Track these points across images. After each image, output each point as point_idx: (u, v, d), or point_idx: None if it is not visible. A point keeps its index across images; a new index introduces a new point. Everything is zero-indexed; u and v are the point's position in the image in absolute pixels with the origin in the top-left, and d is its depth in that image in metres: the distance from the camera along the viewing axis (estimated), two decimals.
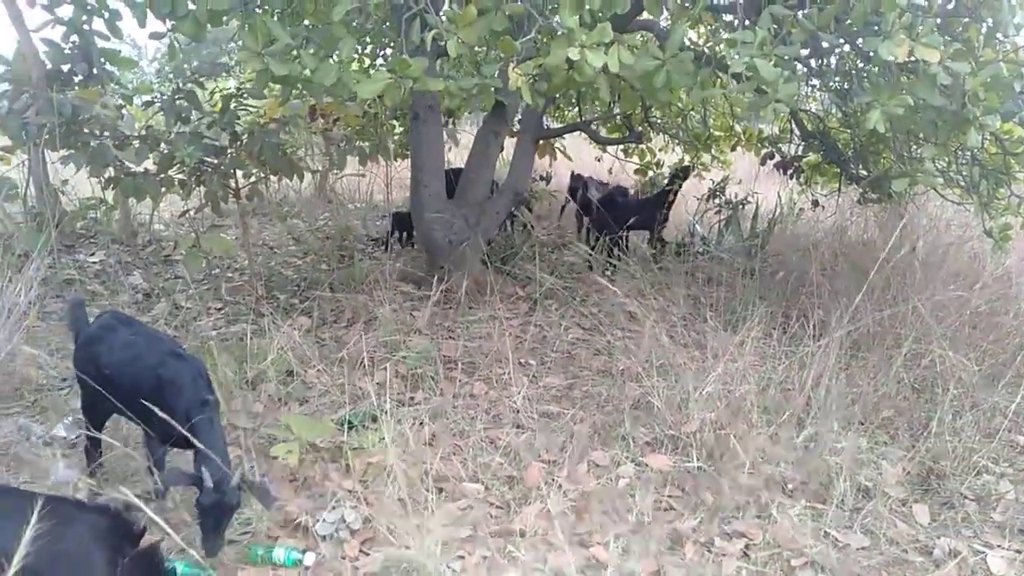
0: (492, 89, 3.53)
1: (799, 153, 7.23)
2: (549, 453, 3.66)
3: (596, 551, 2.90)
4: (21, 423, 3.71)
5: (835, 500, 3.25)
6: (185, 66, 5.89)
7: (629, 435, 3.75)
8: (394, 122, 8.60)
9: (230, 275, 6.59)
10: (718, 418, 3.66)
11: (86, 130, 4.56)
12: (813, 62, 5.39)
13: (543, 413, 4.09)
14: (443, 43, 3.16)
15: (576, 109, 8.30)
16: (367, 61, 6.97)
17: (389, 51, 6.67)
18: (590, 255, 6.09)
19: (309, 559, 2.80)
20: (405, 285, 6.16)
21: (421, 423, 3.70)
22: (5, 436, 3.59)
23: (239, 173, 5.61)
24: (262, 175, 5.63)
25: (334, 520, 2.99)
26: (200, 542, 2.62)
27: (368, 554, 2.89)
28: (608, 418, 3.99)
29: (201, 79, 5.32)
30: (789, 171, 7.17)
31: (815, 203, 7.59)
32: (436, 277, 5.10)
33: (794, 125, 6.77)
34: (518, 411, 4.06)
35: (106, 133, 4.69)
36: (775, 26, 3.41)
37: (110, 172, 4.97)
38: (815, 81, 5.86)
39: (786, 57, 3.41)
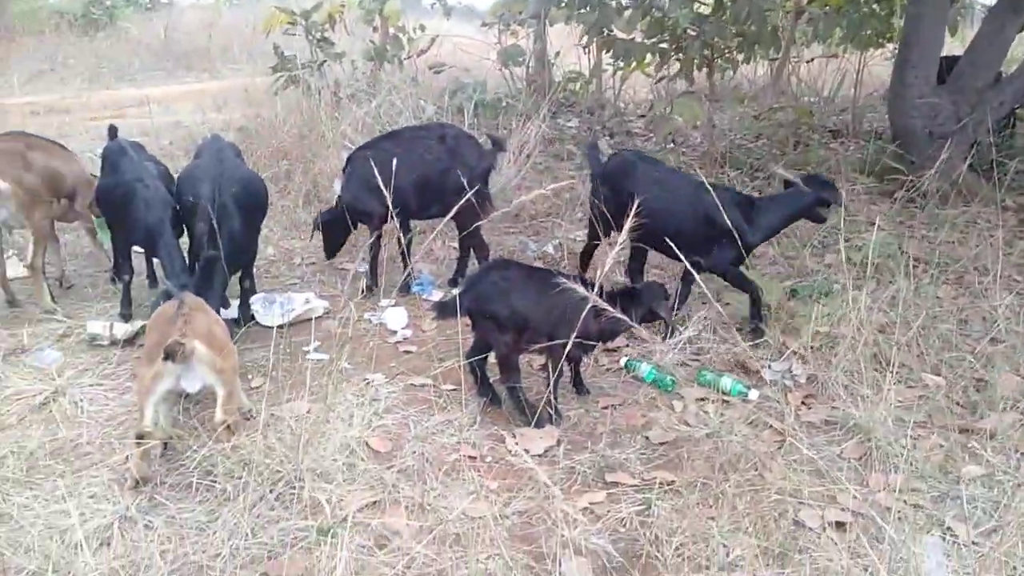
0: None
1: None
2: None
3: None
4: (521, 239, 4.57)
5: None
6: None
7: None
8: (875, 6, 7.69)
9: (684, 151, 6.89)
10: None
11: None
12: None
13: None
14: None
15: None
16: None
17: None
18: None
19: (753, 395, 2.96)
20: (863, 177, 5.72)
21: (877, 309, 3.51)
22: (512, 248, 4.48)
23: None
24: (734, 47, 5.63)
25: (781, 369, 3.09)
26: None
27: (810, 407, 2.94)
28: None
29: None
30: None
31: None
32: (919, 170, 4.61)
33: None
34: (995, 322, 3.56)
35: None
36: None
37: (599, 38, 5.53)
38: None
39: None
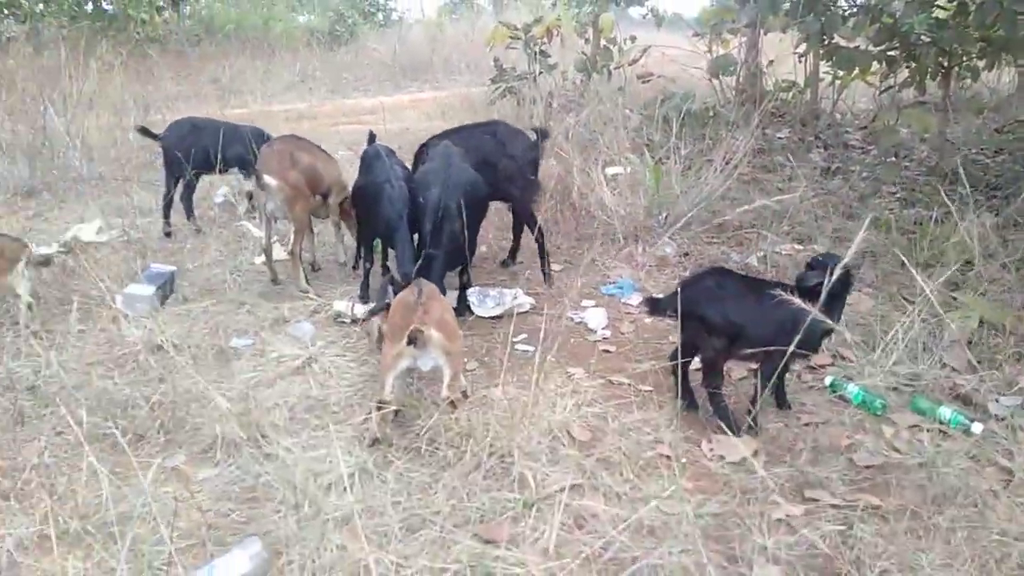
0: None
1: None
2: None
3: None
4: (723, 250, 4.56)
5: None
6: None
7: None
8: None
9: (907, 165, 6.40)
10: None
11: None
12: None
13: None
14: None
15: None
16: None
17: None
18: None
19: (977, 428, 2.76)
20: None
21: None
22: (713, 258, 4.49)
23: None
24: (975, 53, 5.15)
25: (1012, 404, 2.85)
26: None
27: None
28: None
29: None
30: None
31: None
32: None
33: None
34: None
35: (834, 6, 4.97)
36: None
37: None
38: None
39: None
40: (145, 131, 5.08)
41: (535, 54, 6.52)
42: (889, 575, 2.11)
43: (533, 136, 4.37)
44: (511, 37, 6.48)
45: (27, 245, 3.77)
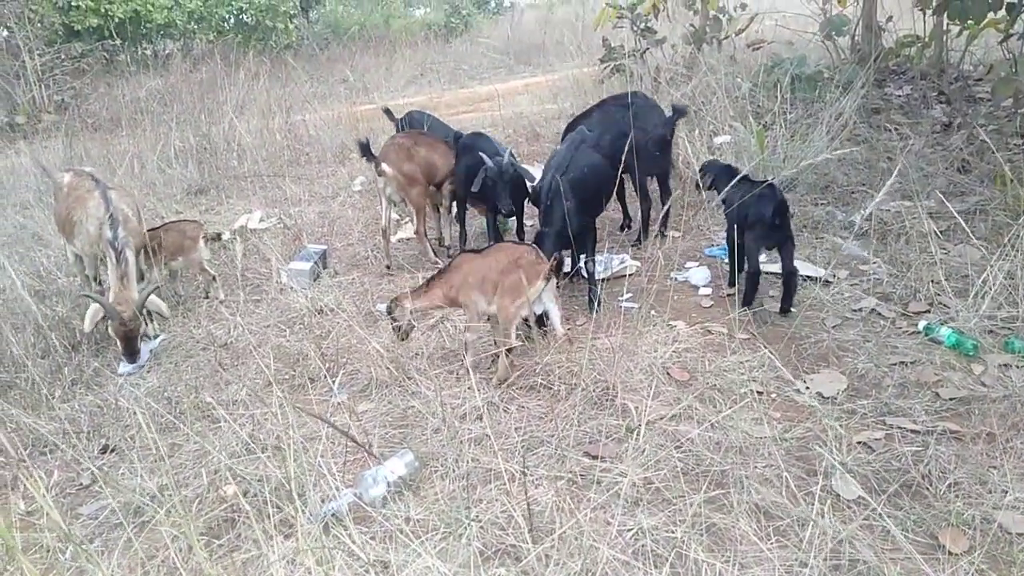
0: None
1: None
2: None
3: None
4: (829, 210, 4.68)
5: None
6: None
7: None
8: None
9: None
10: None
11: None
12: None
13: None
14: None
15: None
16: None
17: None
18: None
19: None
20: None
21: None
22: (818, 218, 4.62)
23: None
24: None
25: None
26: None
27: None
28: None
29: None
30: None
31: None
32: None
33: None
34: None
35: None
36: None
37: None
38: None
39: None
40: (388, 112, 6.21)
41: (641, 31, 6.74)
42: (959, 487, 2.34)
43: (669, 112, 4.64)
44: (617, 16, 6.74)
45: (202, 224, 4.57)
